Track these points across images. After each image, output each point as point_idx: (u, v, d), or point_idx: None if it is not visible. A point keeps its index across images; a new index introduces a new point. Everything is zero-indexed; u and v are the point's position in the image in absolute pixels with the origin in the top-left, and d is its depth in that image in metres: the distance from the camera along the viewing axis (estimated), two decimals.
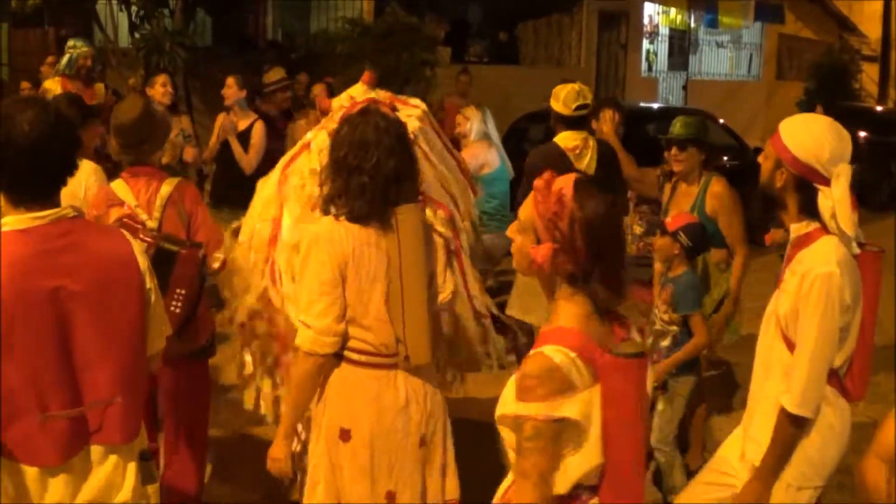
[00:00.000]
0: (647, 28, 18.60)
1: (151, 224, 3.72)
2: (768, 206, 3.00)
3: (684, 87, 19.03)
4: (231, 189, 6.65)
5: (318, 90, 7.46)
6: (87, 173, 4.21)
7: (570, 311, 2.19)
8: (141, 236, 3.45)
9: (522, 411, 2.10)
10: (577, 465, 2.13)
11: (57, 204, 2.50)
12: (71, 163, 2.54)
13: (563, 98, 5.15)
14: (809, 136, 2.79)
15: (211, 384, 4.15)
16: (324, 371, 3.08)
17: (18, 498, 2.47)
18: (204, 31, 12.77)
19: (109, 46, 10.26)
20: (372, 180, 2.96)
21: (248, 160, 6.71)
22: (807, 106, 15.51)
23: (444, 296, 3.23)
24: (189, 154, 6.74)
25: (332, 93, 6.05)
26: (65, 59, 7.61)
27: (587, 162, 5.06)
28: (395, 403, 3.06)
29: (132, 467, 2.60)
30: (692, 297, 4.28)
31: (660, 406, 4.35)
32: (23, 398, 2.41)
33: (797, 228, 2.89)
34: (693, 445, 4.92)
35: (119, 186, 3.80)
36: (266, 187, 3.92)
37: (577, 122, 5.16)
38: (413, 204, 3.08)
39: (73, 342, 2.47)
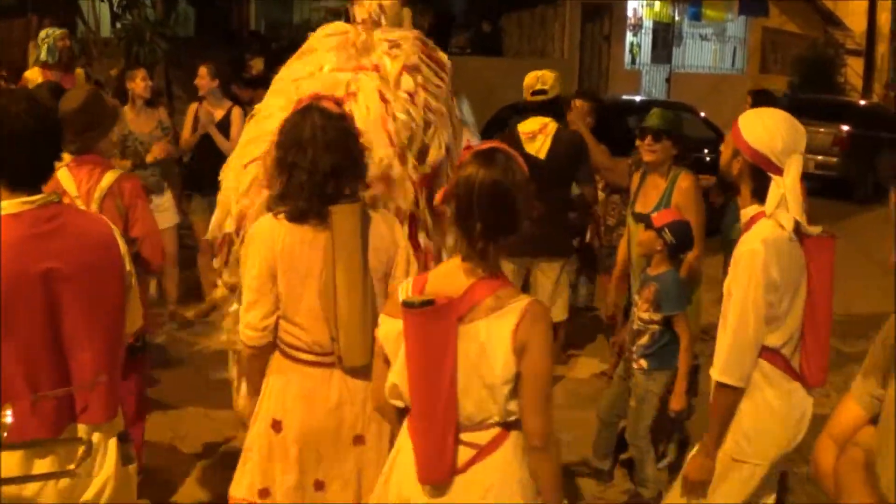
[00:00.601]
0: (631, 20, 18.61)
1: None
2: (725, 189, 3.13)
3: (668, 80, 19.06)
4: (211, 175, 6.62)
5: None
6: (66, 159, 4.19)
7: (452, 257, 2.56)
8: None
9: None
10: (389, 378, 2.52)
11: (42, 191, 2.56)
12: (58, 151, 2.64)
13: (525, 85, 5.40)
14: (764, 128, 2.93)
15: (143, 380, 4.17)
16: (259, 360, 3.13)
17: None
18: (186, 21, 12.74)
19: (91, 37, 10.22)
20: (310, 177, 2.97)
21: (232, 148, 6.67)
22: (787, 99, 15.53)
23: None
24: (160, 150, 6.48)
25: None
26: (44, 49, 7.57)
27: (538, 147, 5.21)
28: (326, 403, 3.03)
29: (112, 445, 2.65)
30: (676, 296, 4.27)
31: (633, 403, 4.40)
32: (17, 379, 2.46)
33: (746, 213, 3.02)
34: None
35: (63, 175, 3.78)
36: (255, 126, 3.92)
37: (538, 107, 5.36)
38: (352, 203, 3.03)
39: (61, 324, 2.52)
